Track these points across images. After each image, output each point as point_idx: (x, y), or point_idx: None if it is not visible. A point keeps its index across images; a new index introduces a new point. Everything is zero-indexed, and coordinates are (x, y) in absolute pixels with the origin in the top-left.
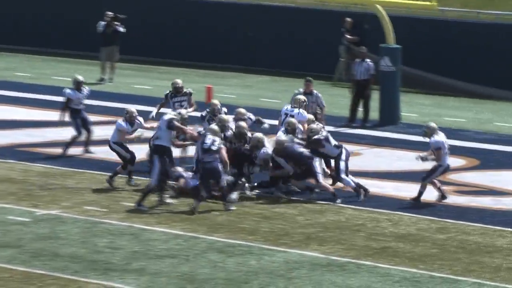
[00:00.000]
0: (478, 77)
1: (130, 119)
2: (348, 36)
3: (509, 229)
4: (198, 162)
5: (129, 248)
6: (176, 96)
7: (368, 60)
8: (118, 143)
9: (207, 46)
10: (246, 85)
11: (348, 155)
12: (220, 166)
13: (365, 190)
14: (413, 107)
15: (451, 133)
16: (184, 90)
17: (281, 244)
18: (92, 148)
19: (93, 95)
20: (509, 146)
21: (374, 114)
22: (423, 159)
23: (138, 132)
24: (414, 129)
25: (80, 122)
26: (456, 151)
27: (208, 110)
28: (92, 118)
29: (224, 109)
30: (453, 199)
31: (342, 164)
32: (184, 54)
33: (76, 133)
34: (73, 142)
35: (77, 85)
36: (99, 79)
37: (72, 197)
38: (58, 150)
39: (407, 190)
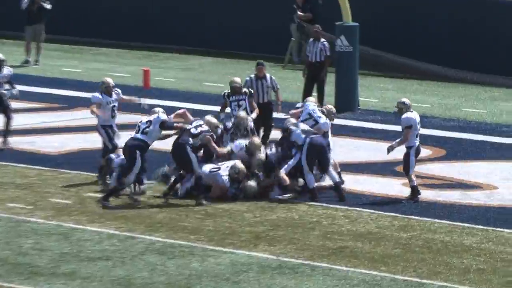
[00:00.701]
0: (444, 58)
1: (106, 90)
2: (300, 13)
3: (479, 226)
4: None
5: (57, 249)
6: (233, 95)
7: (322, 39)
8: (107, 126)
9: (146, 25)
10: (188, 68)
11: None
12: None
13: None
14: (373, 91)
15: None
16: (244, 89)
17: (227, 245)
18: (12, 139)
19: (16, 78)
20: (478, 134)
21: (330, 100)
22: (391, 148)
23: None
24: (374, 116)
25: None
26: (420, 140)
27: (233, 122)
28: (14, 104)
29: (251, 124)
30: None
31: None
32: (120, 33)
33: None
34: None
35: None
36: (24, 61)
37: None
38: None
39: (367, 183)
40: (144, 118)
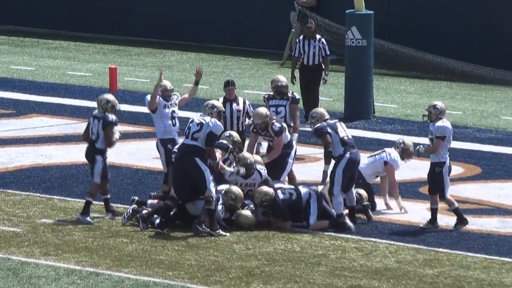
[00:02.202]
0: (479, 56)
1: (164, 94)
2: None
3: None
4: None
5: None
6: (274, 98)
7: (318, 36)
8: (168, 141)
9: (113, 13)
10: (165, 65)
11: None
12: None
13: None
14: (391, 95)
15: None
16: (289, 94)
17: (213, 283)
18: None
19: None
20: None
21: (338, 105)
22: (417, 152)
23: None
24: (393, 125)
25: None
26: (450, 155)
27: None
28: None
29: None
30: (447, 221)
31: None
32: (81, 23)
33: None
34: None
35: None
36: None
37: None
38: None
39: (385, 208)
40: (196, 118)
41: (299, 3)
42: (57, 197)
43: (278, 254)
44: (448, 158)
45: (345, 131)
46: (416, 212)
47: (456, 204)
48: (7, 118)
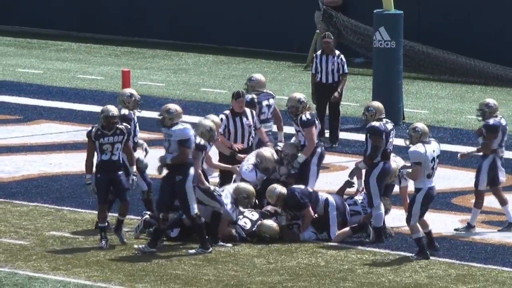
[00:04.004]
0: None
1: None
2: None
3: None
4: None
5: None
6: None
7: (337, 52)
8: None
9: (127, 14)
10: (181, 69)
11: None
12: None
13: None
14: (422, 100)
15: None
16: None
17: None
18: None
19: None
20: None
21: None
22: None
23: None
24: None
25: None
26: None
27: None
28: None
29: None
30: (481, 234)
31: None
32: (92, 23)
33: None
34: None
35: None
36: None
37: None
38: None
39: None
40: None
41: (324, 2)
42: (67, 208)
43: (301, 269)
44: (430, 185)
45: (391, 143)
46: (448, 224)
47: (421, 235)
48: (14, 124)
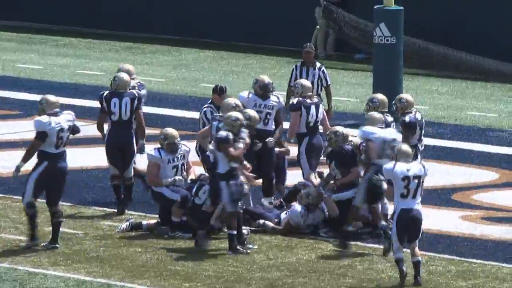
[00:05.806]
0: None
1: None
2: None
3: None
4: None
5: None
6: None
7: (318, 64)
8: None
9: (127, 9)
10: (181, 64)
11: None
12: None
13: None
14: (422, 96)
15: (477, 133)
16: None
17: None
18: None
19: None
20: None
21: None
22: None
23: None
24: (424, 128)
25: None
26: (484, 160)
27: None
28: None
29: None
30: (481, 230)
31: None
32: (92, 19)
33: None
34: None
35: None
36: None
37: None
38: None
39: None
40: None
41: None
42: (66, 204)
43: (301, 265)
44: (405, 207)
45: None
46: (448, 221)
47: (402, 255)
48: (14, 119)
